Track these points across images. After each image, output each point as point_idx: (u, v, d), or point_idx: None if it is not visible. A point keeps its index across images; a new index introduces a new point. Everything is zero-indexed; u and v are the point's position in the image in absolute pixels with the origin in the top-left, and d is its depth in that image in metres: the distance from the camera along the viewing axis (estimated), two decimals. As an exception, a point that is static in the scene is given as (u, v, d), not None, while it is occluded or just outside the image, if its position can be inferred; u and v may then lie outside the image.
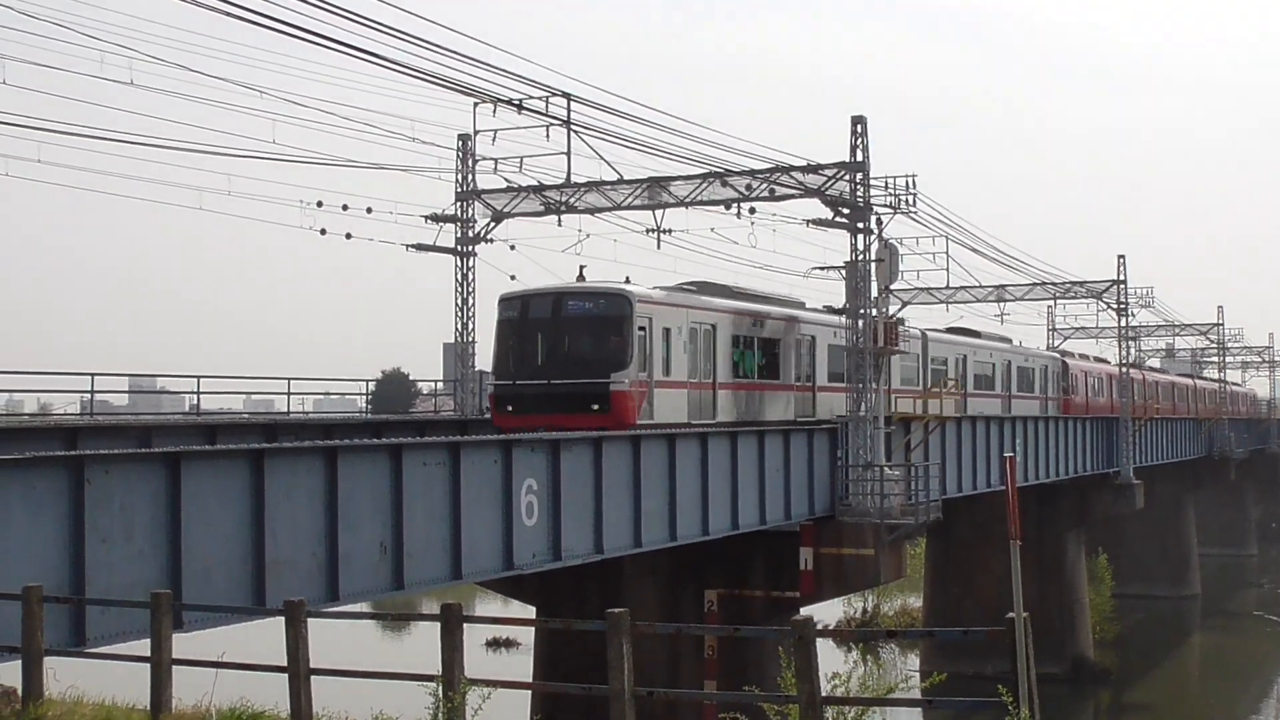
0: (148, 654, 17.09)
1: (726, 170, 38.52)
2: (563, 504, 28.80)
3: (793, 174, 38.36)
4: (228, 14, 23.05)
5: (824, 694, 15.64)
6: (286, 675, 16.77)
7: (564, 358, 36.16)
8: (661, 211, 40.63)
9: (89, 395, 37.16)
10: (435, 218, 42.16)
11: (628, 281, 37.80)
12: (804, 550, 37.92)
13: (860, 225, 38.48)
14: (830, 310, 46.43)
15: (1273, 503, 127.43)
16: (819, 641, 15.42)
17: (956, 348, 58.68)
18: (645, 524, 31.56)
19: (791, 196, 38.93)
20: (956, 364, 57.71)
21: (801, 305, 46.11)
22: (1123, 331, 70.07)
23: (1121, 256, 67.03)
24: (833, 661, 44.47)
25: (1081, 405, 73.05)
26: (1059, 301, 74.39)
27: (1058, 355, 74.80)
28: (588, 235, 41.95)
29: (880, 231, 39.67)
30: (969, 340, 61.26)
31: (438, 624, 16.53)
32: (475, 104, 37.31)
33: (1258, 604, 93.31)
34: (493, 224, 42.35)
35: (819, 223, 39.34)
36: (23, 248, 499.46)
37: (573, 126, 36.05)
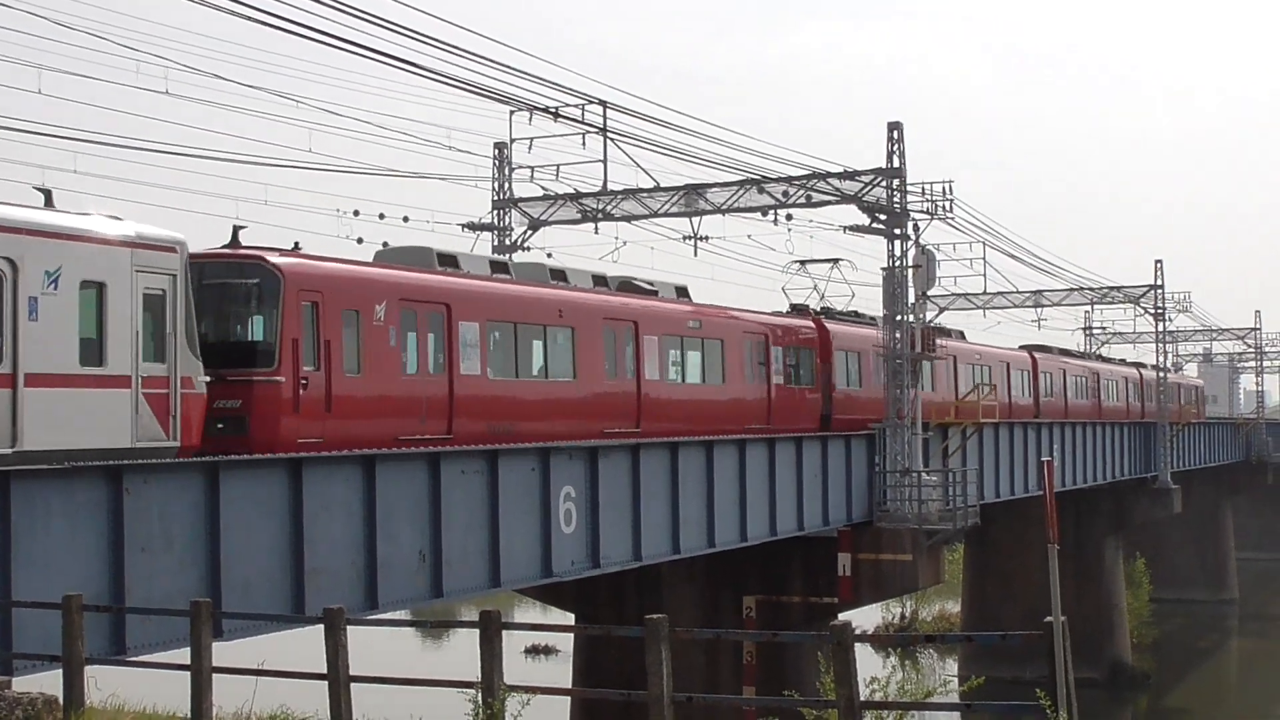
0: (188, 662, 17.16)
1: (763, 177, 38.45)
2: (600, 511, 28.79)
3: (829, 180, 38.27)
4: (263, 23, 23.15)
5: (863, 699, 15.62)
6: (326, 683, 16.81)
7: None
8: (698, 219, 40.61)
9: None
10: (472, 226, 42.16)
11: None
12: (842, 556, 37.83)
13: (897, 231, 38.41)
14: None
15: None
16: (857, 647, 15.38)
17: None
18: (683, 530, 31.55)
19: (828, 203, 38.86)
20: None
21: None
22: (1160, 336, 69.71)
23: (1159, 261, 66.87)
24: (871, 667, 44.27)
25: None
26: (1096, 306, 74.30)
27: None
28: (624, 243, 42.07)
29: (917, 237, 39.60)
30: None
31: (476, 631, 16.56)
32: (511, 112, 37.32)
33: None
34: (529, 232, 42.37)
35: (856, 229, 39.28)
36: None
37: (609, 134, 36.09)
